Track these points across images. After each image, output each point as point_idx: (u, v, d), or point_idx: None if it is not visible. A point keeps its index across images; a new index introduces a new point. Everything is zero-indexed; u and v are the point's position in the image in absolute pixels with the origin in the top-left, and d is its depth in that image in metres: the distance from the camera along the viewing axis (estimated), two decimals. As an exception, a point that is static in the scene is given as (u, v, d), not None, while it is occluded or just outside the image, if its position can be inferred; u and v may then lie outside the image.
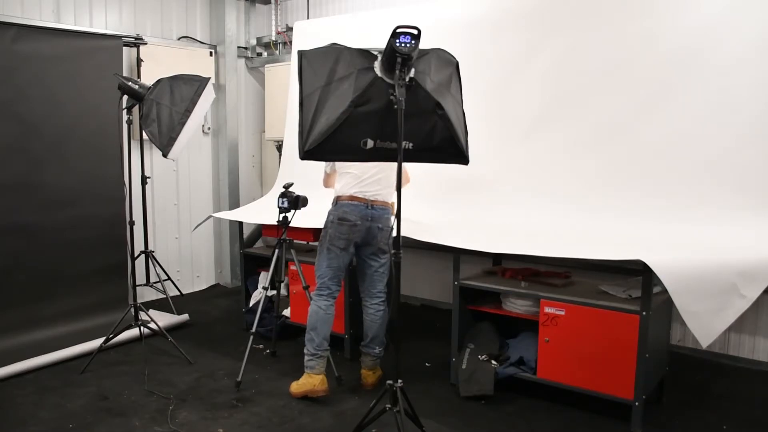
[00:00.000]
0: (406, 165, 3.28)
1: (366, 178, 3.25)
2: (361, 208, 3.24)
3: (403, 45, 2.30)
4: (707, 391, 3.42)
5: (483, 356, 3.32)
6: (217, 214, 4.78)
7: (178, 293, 5.30)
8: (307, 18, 5.46)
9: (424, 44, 2.40)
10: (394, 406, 2.59)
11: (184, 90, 3.72)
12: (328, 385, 3.33)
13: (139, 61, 4.94)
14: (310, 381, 3.27)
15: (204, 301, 5.42)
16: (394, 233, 2.51)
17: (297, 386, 3.32)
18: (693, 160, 3.30)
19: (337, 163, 3.36)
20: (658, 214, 3.31)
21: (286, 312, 4.24)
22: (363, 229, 3.25)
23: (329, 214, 3.31)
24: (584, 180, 3.63)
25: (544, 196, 3.74)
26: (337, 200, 3.30)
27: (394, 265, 2.51)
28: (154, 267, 5.02)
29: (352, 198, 3.24)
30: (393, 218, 3.20)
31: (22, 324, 4.05)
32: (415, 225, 3.61)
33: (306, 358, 3.30)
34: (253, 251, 4.64)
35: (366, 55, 2.46)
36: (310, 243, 4.16)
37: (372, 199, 3.25)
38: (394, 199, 3.13)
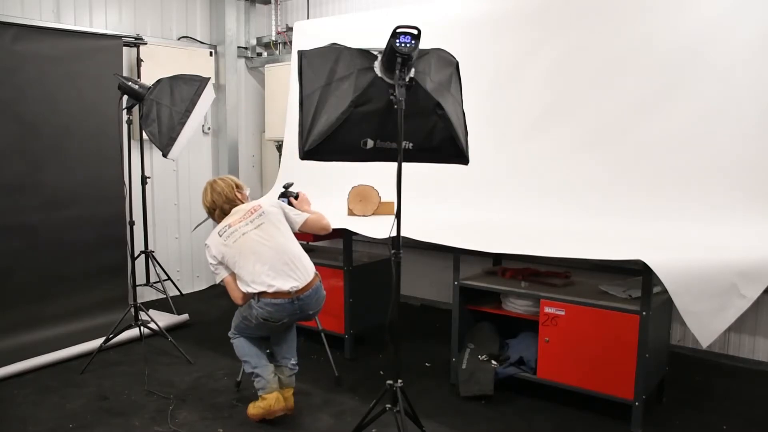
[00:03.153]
0: (311, 218, 3.15)
1: (268, 262, 2.88)
2: (287, 307, 2.91)
3: (403, 45, 2.30)
4: (707, 391, 3.42)
5: (483, 356, 3.32)
6: (217, 214, 4.78)
7: (178, 293, 5.30)
8: (307, 18, 5.46)
9: (424, 44, 2.40)
10: (394, 406, 2.59)
11: (184, 90, 3.72)
12: (287, 402, 3.02)
13: (139, 61, 4.94)
14: (265, 403, 2.96)
15: (204, 301, 5.42)
16: (394, 233, 2.50)
17: (254, 408, 3.03)
18: (693, 160, 3.30)
19: (228, 261, 2.95)
20: (658, 214, 3.31)
21: (286, 312, 4.23)
22: (292, 321, 3.04)
23: (252, 307, 2.94)
24: (584, 180, 3.64)
25: (545, 195, 3.74)
26: (259, 297, 2.91)
27: (394, 265, 2.51)
28: (154, 267, 5.02)
29: (275, 295, 2.87)
30: (322, 289, 3.06)
31: (22, 324, 4.05)
32: (415, 225, 3.61)
33: (254, 382, 3.04)
34: (253, 251, 4.63)
35: (366, 55, 2.46)
36: (310, 243, 4.16)
37: (296, 287, 2.90)
38: (313, 269, 3.03)
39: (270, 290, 2.88)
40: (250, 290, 2.93)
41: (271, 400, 2.97)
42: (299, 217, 3.13)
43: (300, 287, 2.93)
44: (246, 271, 2.92)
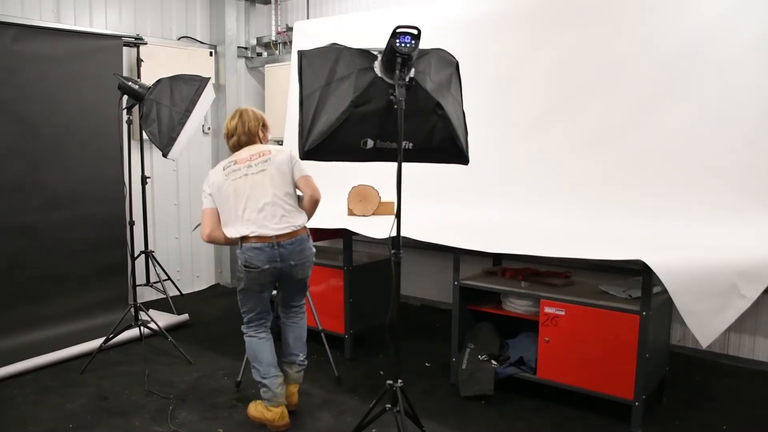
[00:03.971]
0: (311, 178, 3.00)
1: (251, 206, 2.86)
2: (267, 251, 2.85)
3: (403, 45, 2.30)
4: (707, 391, 3.42)
5: (483, 356, 3.32)
6: (217, 214, 4.77)
7: (178, 293, 5.30)
8: (307, 18, 5.46)
9: (424, 44, 2.40)
10: (394, 406, 2.59)
11: (184, 90, 3.72)
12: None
13: (139, 61, 4.94)
14: (269, 414, 2.96)
15: (204, 301, 5.42)
16: (394, 233, 2.50)
17: (255, 410, 3.04)
18: (693, 160, 3.31)
19: (219, 197, 2.93)
20: (659, 214, 3.31)
21: (286, 312, 4.23)
22: (274, 271, 2.90)
23: (237, 257, 2.94)
24: (584, 180, 3.64)
25: (545, 195, 3.74)
26: (242, 242, 2.89)
27: (394, 265, 2.51)
28: (154, 267, 5.02)
29: (258, 239, 2.84)
30: (311, 245, 3.00)
31: (22, 324, 4.05)
32: (415, 225, 3.61)
33: (260, 390, 3.02)
34: (253, 251, 4.63)
35: (366, 55, 2.47)
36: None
37: (277, 233, 2.85)
38: (303, 220, 2.95)
39: (252, 234, 2.84)
40: (234, 233, 2.88)
41: (275, 414, 2.95)
42: (304, 172, 2.98)
43: (281, 234, 2.86)
44: (234, 212, 2.88)
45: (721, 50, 3.24)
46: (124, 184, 3.92)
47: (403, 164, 2.42)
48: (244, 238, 2.87)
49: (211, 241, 3.00)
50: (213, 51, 5.59)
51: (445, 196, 4.13)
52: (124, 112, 3.93)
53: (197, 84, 3.75)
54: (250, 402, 3.11)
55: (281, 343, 3.17)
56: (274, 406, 2.96)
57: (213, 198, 2.95)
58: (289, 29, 5.52)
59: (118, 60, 4.69)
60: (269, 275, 2.91)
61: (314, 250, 3.06)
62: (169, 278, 5.14)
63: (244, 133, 2.99)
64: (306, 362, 3.17)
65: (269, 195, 2.87)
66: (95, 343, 3.90)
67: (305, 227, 2.99)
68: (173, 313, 4.72)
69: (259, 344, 3.03)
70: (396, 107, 2.35)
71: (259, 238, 2.84)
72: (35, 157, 4.23)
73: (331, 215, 3.92)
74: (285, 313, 3.19)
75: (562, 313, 3.06)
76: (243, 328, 3.09)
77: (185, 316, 4.68)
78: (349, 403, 3.29)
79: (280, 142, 5.44)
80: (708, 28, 3.28)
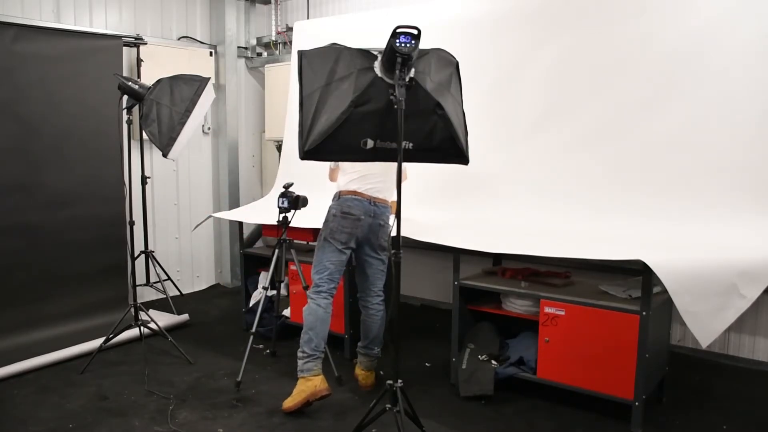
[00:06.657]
0: (406, 164, 3.25)
1: (370, 176, 3.24)
2: (365, 204, 3.22)
3: (403, 45, 2.30)
4: (707, 391, 3.42)
5: (483, 356, 3.32)
6: (217, 214, 4.78)
7: (178, 293, 5.30)
8: (307, 18, 5.46)
9: (424, 44, 2.40)
10: (394, 406, 2.59)
11: (184, 90, 3.72)
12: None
13: (139, 61, 4.94)
14: (310, 384, 3.11)
15: (204, 301, 5.42)
16: (394, 233, 2.51)
17: (292, 399, 3.11)
18: (694, 159, 3.30)
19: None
20: (659, 214, 3.31)
21: (286, 312, 4.24)
22: (365, 225, 3.22)
23: (331, 208, 3.28)
24: (585, 180, 3.63)
25: (545, 195, 3.74)
26: (340, 195, 3.27)
27: (394, 265, 2.51)
28: (154, 267, 5.02)
29: (354, 193, 3.22)
30: (392, 217, 3.18)
31: (22, 324, 4.05)
32: (415, 225, 3.61)
33: (302, 361, 3.14)
34: (253, 251, 4.64)
35: (366, 55, 2.47)
36: (310, 243, 4.16)
37: (374, 195, 3.25)
38: (394, 198, 3.14)
39: (351, 188, 3.24)
40: (341, 181, 3.29)
41: (317, 380, 3.12)
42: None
43: (379, 197, 3.26)
44: (360, 168, 3.24)
45: (721, 50, 3.24)
46: (124, 184, 3.92)
47: (404, 164, 2.42)
48: (342, 192, 3.29)
49: (332, 180, 3.50)
50: (213, 51, 5.59)
51: (445, 196, 4.12)
52: (124, 112, 3.93)
53: (197, 84, 3.75)
54: (284, 402, 3.12)
55: (361, 333, 3.47)
56: (314, 375, 3.13)
57: None
58: (289, 29, 5.51)
59: (118, 60, 4.69)
60: (360, 227, 3.21)
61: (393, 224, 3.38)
62: (169, 278, 5.14)
63: None
64: (380, 354, 3.47)
65: (386, 171, 3.29)
66: (95, 343, 3.89)
67: (394, 202, 3.28)
68: (173, 313, 4.72)
69: (323, 316, 3.19)
70: (396, 107, 2.35)
71: (357, 192, 3.25)
72: (35, 157, 4.23)
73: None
74: (366, 306, 3.44)
75: (562, 313, 3.06)
76: (310, 293, 3.24)
77: (185, 316, 4.68)
78: (349, 403, 3.29)
79: (279, 143, 5.45)
80: (708, 28, 3.28)
